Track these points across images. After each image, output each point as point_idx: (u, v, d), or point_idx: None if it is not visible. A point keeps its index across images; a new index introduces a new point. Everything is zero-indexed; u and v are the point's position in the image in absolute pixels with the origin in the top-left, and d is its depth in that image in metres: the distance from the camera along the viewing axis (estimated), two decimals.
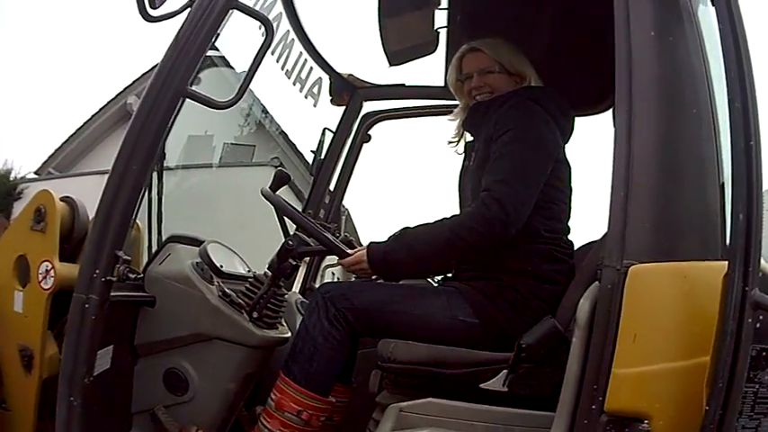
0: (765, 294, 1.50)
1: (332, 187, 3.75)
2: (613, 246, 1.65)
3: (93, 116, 18.68)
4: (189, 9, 2.12)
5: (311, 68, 3.42)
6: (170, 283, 2.46)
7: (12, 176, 17.16)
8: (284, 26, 3.13)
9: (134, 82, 18.14)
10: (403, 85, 3.66)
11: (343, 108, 3.69)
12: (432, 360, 2.17)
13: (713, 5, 1.68)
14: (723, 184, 1.69)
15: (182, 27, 2.11)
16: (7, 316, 2.31)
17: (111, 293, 2.06)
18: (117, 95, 18.32)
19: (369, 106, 3.74)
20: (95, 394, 2.10)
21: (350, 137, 3.71)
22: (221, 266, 2.63)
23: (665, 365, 1.55)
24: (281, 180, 2.59)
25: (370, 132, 3.78)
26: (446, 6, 3.03)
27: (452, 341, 2.19)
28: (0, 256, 2.38)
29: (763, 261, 1.58)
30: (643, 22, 1.76)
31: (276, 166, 13.79)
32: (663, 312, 1.59)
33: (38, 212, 2.31)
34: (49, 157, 18.85)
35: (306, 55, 3.35)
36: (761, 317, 1.49)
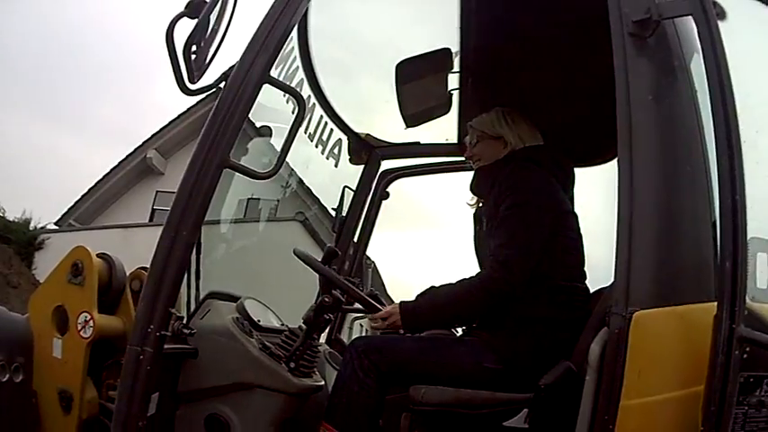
0: (752, 329, 1.70)
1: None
2: (619, 295, 1.84)
3: (112, 169, 18.99)
4: (224, 83, 2.29)
5: (332, 130, 3.65)
6: (213, 337, 2.66)
7: (31, 226, 17.44)
8: (305, 91, 3.33)
9: (153, 136, 18.55)
10: (418, 143, 3.88)
11: (362, 167, 3.89)
12: (460, 402, 2.39)
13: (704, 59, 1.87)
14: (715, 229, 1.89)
15: (219, 100, 2.25)
16: (47, 361, 2.44)
17: (165, 347, 2.23)
18: (136, 149, 18.65)
19: (386, 164, 3.95)
20: None
21: (369, 194, 3.90)
22: (258, 321, 2.84)
23: (667, 395, 1.76)
24: (330, 255, 2.85)
25: (388, 189, 3.98)
26: (458, 70, 3.24)
27: (478, 385, 2.40)
28: (38, 305, 2.53)
29: (751, 301, 1.78)
30: (641, 86, 1.96)
31: (301, 221, 13.99)
32: (663, 350, 1.81)
33: (75, 267, 2.47)
34: (70, 209, 19.14)
35: (326, 118, 3.58)
36: (748, 348, 1.69)
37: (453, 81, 3.33)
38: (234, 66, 2.28)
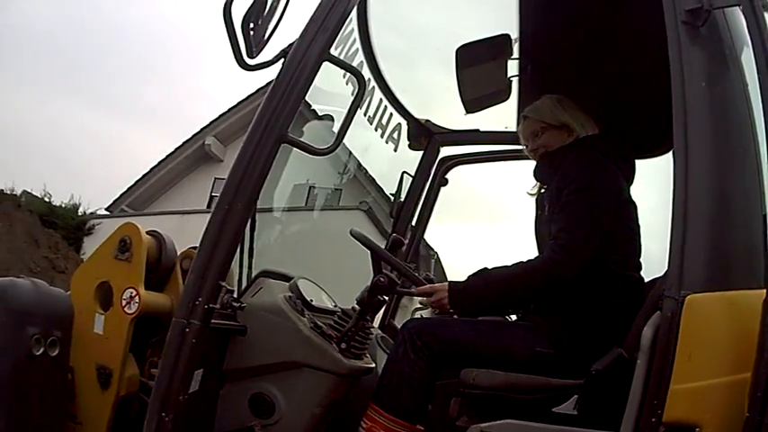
0: None
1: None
2: (673, 279, 1.86)
3: (169, 155, 19.03)
4: (283, 59, 2.31)
5: (391, 115, 3.70)
6: (263, 315, 2.67)
7: (80, 211, 17.73)
8: (365, 74, 3.27)
9: (212, 123, 18.53)
10: (477, 130, 3.89)
11: (421, 153, 3.92)
12: (510, 386, 2.40)
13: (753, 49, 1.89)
14: (766, 216, 1.90)
15: (278, 76, 2.29)
16: (87, 336, 2.48)
17: (212, 321, 2.27)
18: (194, 135, 18.62)
19: (445, 151, 3.96)
20: (185, 413, 2.26)
21: (428, 180, 3.92)
22: (311, 300, 2.84)
23: (716, 381, 1.75)
24: (395, 244, 2.94)
25: (447, 176, 4.01)
26: (517, 56, 3.24)
27: (529, 370, 2.41)
28: (81, 281, 2.57)
29: None
30: (695, 73, 1.98)
31: (365, 210, 14.04)
32: (714, 335, 1.80)
33: (123, 243, 2.50)
34: (123, 195, 19.28)
35: (386, 102, 3.63)
36: None
37: (513, 67, 3.32)
38: (294, 43, 2.31)
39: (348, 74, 2.52)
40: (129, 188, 19.41)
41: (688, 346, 1.79)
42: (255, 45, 2.26)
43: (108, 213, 18.39)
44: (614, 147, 2.73)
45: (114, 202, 19.30)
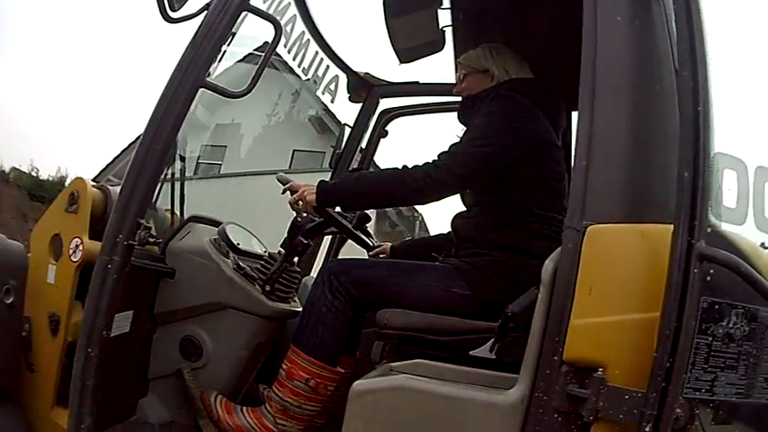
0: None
1: None
2: (575, 208, 1.74)
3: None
4: (206, 12, 2.36)
5: (327, 67, 3.66)
6: (189, 257, 2.69)
7: (66, 183, 17.54)
8: (299, 27, 3.33)
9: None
10: (417, 82, 3.86)
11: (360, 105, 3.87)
12: (425, 327, 2.29)
13: None
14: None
15: (200, 27, 2.35)
16: (41, 286, 2.53)
17: (132, 259, 2.29)
18: None
19: (385, 103, 3.93)
20: (113, 353, 2.29)
21: (367, 132, 3.90)
22: (238, 244, 2.83)
23: (620, 317, 1.62)
24: (362, 220, 2.93)
25: (387, 128, 3.99)
26: (448, 6, 3.15)
27: (446, 311, 2.33)
28: (38, 235, 2.64)
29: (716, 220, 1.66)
30: (610, 8, 1.85)
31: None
32: (619, 269, 1.66)
33: (71, 196, 2.58)
34: (108, 165, 19.13)
35: (321, 54, 3.57)
36: (711, 270, 1.56)
37: (445, 18, 3.23)
38: None
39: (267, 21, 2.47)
40: (114, 158, 19.29)
41: (589, 280, 1.66)
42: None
43: (94, 184, 18.05)
44: (540, 91, 2.62)
45: (101, 172, 19.00)
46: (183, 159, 2.89)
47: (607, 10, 1.85)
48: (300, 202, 2.54)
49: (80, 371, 2.22)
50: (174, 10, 2.37)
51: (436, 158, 2.40)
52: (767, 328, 1.68)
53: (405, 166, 2.42)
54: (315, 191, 2.50)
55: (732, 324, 1.63)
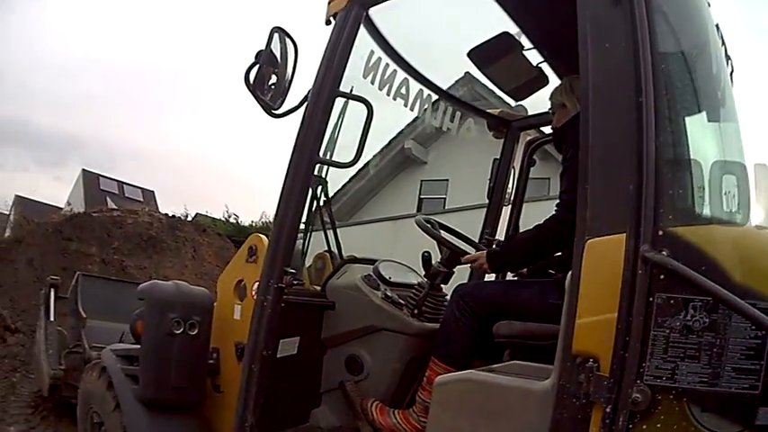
0: (669, 251, 1.78)
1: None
2: (581, 227, 2.01)
3: (367, 163, 17.51)
4: (306, 103, 2.85)
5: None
6: (344, 291, 3.24)
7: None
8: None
9: (408, 126, 17.15)
10: (548, 112, 3.86)
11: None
12: (527, 334, 2.73)
13: None
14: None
15: (303, 115, 2.83)
16: (229, 322, 3.09)
17: (286, 297, 2.80)
18: (393, 139, 17.74)
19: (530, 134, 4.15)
20: (281, 372, 2.83)
21: (511, 162, 4.18)
22: (389, 278, 3.35)
23: (604, 316, 1.87)
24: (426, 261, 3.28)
25: (534, 157, 4.23)
26: (532, 46, 3.31)
27: (545, 319, 2.65)
28: (224, 281, 3.21)
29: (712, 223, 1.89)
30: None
31: None
32: (602, 274, 1.92)
33: (250, 249, 3.12)
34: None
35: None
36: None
37: (534, 55, 3.40)
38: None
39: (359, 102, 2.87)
40: (334, 194, 19.09)
41: (587, 285, 1.94)
42: (280, 96, 2.83)
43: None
44: None
45: None
46: (331, 217, 3.54)
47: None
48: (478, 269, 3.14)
49: (245, 381, 2.74)
50: (275, 109, 2.86)
51: (554, 211, 2.82)
52: (730, 319, 1.79)
53: (538, 226, 2.86)
54: (485, 260, 3.01)
55: (690, 317, 1.79)
